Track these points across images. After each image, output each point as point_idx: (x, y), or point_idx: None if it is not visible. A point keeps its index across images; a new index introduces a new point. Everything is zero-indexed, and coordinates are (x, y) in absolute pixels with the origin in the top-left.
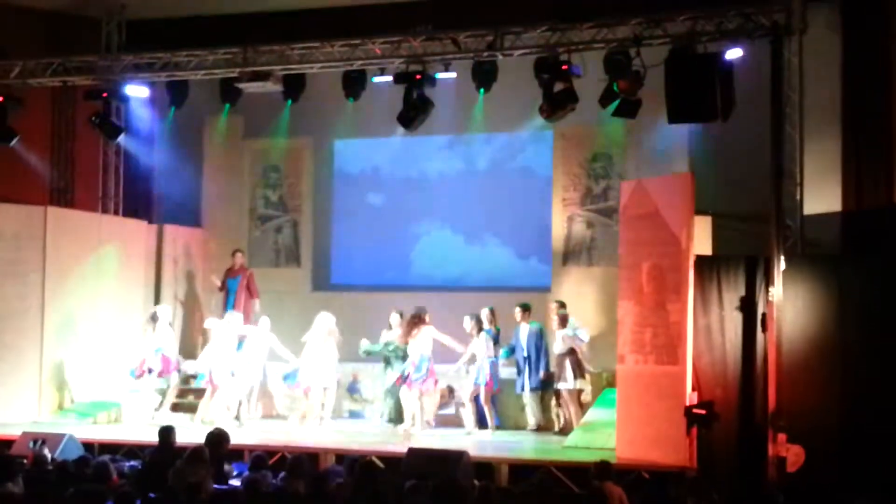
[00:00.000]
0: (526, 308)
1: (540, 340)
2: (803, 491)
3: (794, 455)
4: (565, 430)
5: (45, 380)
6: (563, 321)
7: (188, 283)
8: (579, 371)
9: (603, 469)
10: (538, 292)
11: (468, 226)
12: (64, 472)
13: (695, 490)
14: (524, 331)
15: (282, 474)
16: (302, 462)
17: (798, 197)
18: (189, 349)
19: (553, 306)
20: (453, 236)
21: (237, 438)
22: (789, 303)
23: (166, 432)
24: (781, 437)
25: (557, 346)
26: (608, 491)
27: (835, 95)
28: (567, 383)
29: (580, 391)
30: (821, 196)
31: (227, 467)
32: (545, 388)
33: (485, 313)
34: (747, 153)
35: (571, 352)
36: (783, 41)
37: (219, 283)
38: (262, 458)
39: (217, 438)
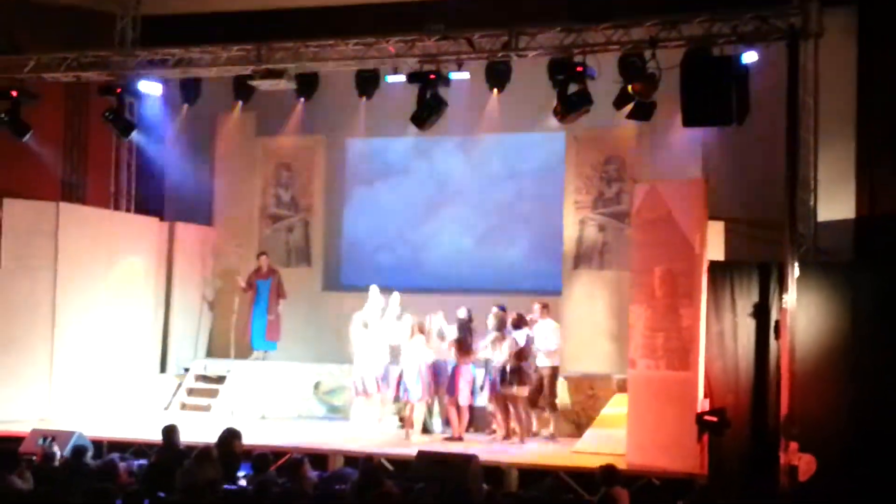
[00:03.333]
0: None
1: None
2: (815, 500)
3: (805, 464)
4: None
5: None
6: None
7: (199, 281)
8: (517, 377)
9: (608, 473)
10: (549, 295)
11: (480, 227)
12: (72, 469)
13: (704, 498)
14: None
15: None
16: (301, 463)
17: (812, 203)
18: (214, 348)
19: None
20: (465, 238)
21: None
22: (802, 310)
23: (169, 431)
24: (793, 445)
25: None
26: (616, 496)
27: (850, 101)
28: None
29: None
30: (834, 202)
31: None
32: None
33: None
34: (762, 158)
35: (516, 356)
36: (799, 45)
37: (244, 284)
38: (266, 459)
39: (228, 438)
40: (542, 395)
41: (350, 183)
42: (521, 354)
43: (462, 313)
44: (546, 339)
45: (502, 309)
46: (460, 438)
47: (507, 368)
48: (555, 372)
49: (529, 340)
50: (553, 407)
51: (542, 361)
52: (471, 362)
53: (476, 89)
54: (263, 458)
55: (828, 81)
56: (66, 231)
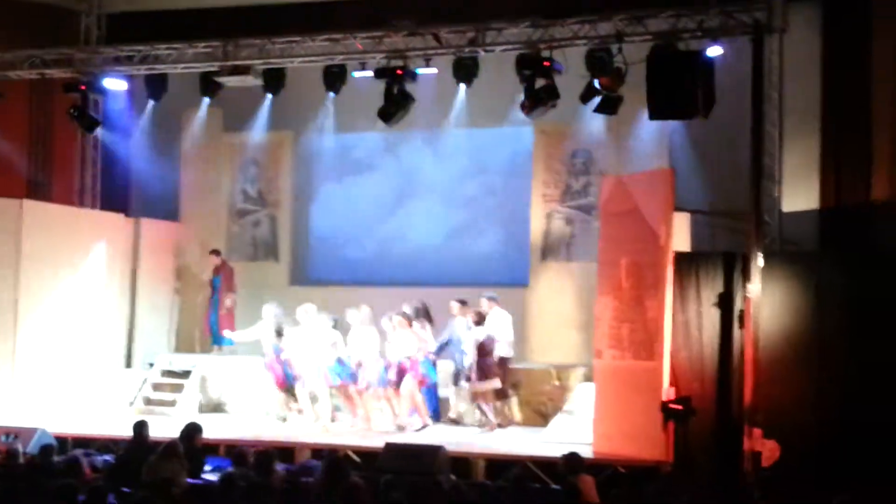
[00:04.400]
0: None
1: None
2: (779, 486)
3: (769, 450)
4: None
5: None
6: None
7: (165, 277)
8: (482, 373)
9: (571, 461)
10: (517, 287)
11: (447, 221)
12: (35, 466)
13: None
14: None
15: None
16: (271, 456)
17: (777, 194)
18: (180, 343)
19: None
20: (433, 232)
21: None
22: (767, 299)
23: (140, 427)
24: (757, 432)
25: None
26: (582, 483)
27: (814, 94)
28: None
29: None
30: (799, 194)
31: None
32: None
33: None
34: (727, 151)
35: (479, 352)
36: (764, 40)
37: (230, 304)
38: (244, 454)
39: (190, 432)
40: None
41: (318, 178)
42: (483, 350)
43: (408, 309)
44: (505, 331)
45: (463, 303)
46: (403, 427)
47: (470, 366)
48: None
49: (489, 339)
50: (501, 396)
51: (504, 352)
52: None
53: (444, 84)
54: (242, 454)
55: (793, 75)
56: (31, 229)
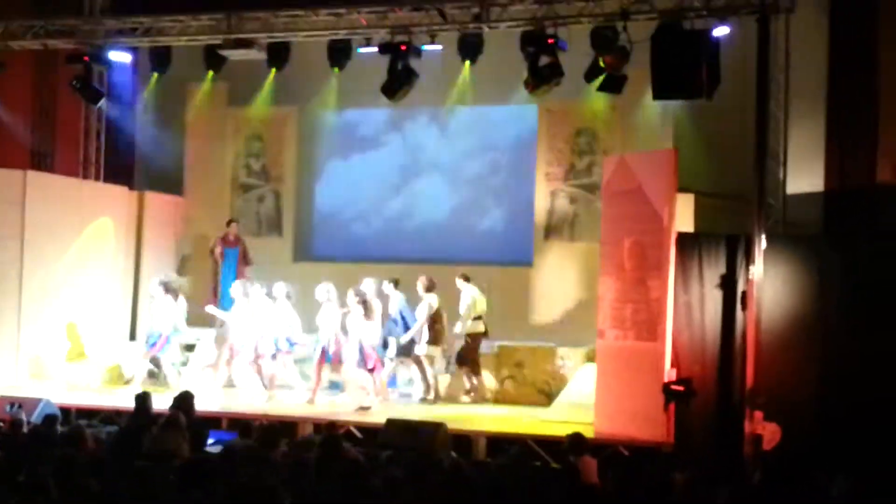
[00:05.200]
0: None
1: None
2: (779, 468)
3: (770, 433)
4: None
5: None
6: (431, 287)
7: (167, 250)
8: (431, 337)
9: (576, 441)
10: (520, 266)
11: (451, 199)
12: (38, 436)
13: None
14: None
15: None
16: (275, 431)
17: (781, 176)
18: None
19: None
20: (436, 209)
21: (216, 405)
22: (769, 281)
23: (142, 398)
24: (758, 414)
25: (422, 311)
26: (583, 464)
27: (820, 76)
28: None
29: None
30: (804, 175)
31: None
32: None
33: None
34: (732, 131)
35: (431, 318)
36: (770, 20)
37: (217, 250)
38: (250, 427)
39: (184, 401)
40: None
41: (323, 154)
42: (436, 316)
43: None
44: (469, 306)
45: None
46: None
47: (419, 330)
48: (480, 336)
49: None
50: (476, 370)
51: (471, 328)
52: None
53: (449, 61)
54: (249, 427)
55: (799, 56)
56: (34, 200)
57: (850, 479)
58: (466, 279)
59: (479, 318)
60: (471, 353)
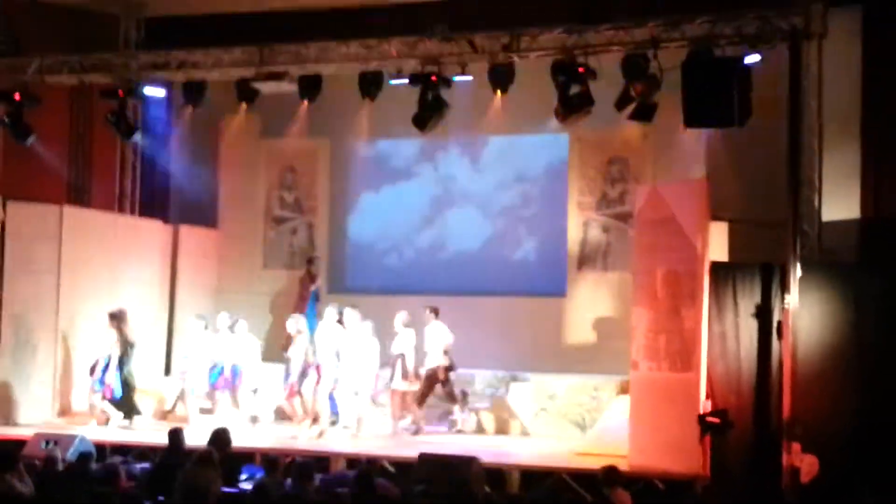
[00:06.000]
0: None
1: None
2: (817, 501)
3: (808, 465)
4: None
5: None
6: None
7: (202, 284)
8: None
9: (610, 475)
10: (554, 297)
11: (484, 230)
12: (75, 473)
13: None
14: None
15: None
16: (310, 467)
17: (816, 203)
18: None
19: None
20: (469, 240)
21: (251, 441)
22: (805, 311)
23: (175, 434)
24: (796, 446)
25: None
26: (617, 497)
27: (854, 102)
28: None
29: (405, 392)
30: (839, 203)
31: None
32: None
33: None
34: (765, 159)
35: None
36: (802, 46)
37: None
38: (276, 462)
39: (220, 437)
40: (430, 392)
41: (355, 185)
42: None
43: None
44: (436, 341)
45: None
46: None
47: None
48: (447, 369)
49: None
50: (420, 402)
51: (437, 361)
52: None
53: (480, 91)
54: (274, 462)
55: (833, 82)
56: (71, 235)
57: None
58: (436, 314)
59: (446, 352)
60: (430, 389)
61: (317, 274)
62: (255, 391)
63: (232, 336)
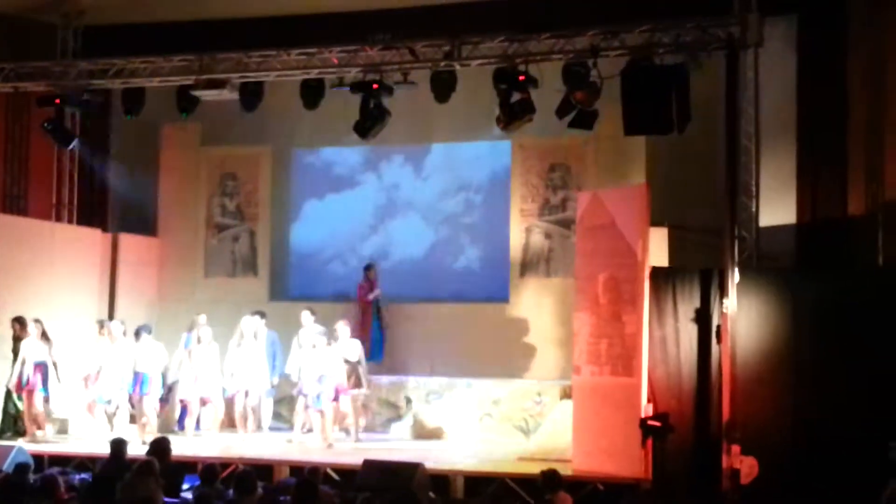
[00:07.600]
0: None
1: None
2: (758, 502)
3: (747, 467)
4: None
5: None
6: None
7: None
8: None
9: (550, 479)
10: (497, 303)
11: (428, 237)
12: (10, 484)
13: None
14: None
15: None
16: (250, 476)
17: (753, 209)
18: None
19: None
20: (413, 248)
21: (192, 450)
22: (744, 315)
23: (118, 444)
24: (735, 448)
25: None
26: (559, 501)
27: (790, 109)
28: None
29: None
30: (776, 208)
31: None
32: None
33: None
34: (704, 165)
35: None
36: (738, 55)
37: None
38: (214, 470)
39: (161, 448)
40: None
41: (298, 193)
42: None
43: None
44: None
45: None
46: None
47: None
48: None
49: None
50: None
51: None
52: None
53: (422, 100)
54: (211, 470)
55: (769, 90)
56: (6, 244)
57: None
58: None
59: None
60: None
61: (374, 281)
62: (165, 400)
63: (136, 344)
